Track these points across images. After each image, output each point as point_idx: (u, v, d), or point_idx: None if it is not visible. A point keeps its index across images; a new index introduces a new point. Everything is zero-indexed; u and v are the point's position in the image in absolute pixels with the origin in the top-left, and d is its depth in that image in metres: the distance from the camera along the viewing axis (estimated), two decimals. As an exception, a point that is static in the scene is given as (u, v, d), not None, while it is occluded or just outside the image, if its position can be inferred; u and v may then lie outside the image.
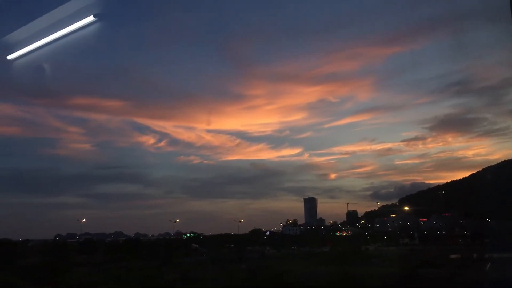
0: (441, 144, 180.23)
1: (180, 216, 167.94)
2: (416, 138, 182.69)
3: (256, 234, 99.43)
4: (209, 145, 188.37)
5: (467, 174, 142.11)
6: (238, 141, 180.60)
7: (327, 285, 23.12)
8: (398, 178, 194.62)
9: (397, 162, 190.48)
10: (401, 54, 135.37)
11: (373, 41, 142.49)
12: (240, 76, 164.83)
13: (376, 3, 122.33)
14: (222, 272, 34.14)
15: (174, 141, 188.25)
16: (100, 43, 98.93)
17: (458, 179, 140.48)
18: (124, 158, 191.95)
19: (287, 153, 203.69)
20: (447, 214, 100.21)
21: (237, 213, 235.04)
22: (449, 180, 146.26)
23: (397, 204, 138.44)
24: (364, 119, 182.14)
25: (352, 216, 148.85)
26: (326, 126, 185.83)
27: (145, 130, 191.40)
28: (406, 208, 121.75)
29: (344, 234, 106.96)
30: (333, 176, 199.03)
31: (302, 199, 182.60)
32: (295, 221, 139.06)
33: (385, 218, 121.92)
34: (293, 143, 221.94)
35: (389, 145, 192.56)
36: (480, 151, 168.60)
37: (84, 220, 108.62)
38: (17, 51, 11.31)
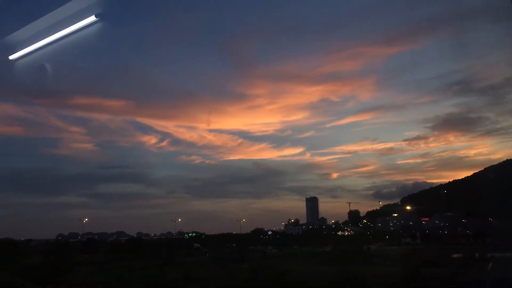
0: (443, 143, 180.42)
1: (182, 216, 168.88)
2: (418, 138, 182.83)
3: (258, 234, 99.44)
4: (211, 144, 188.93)
5: (469, 173, 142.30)
6: (240, 140, 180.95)
7: (329, 284, 23.09)
8: (400, 178, 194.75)
9: (399, 162, 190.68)
10: (402, 53, 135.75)
11: (374, 41, 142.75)
12: (241, 76, 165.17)
13: (376, 3, 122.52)
14: (224, 272, 34.15)
15: (176, 141, 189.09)
16: (102, 43, 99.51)
17: (460, 178, 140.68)
18: (126, 158, 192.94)
19: (289, 152, 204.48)
20: (449, 214, 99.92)
21: (239, 212, 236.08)
22: (451, 180, 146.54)
23: (399, 203, 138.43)
24: (365, 119, 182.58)
25: (354, 215, 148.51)
26: (328, 125, 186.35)
27: (147, 129, 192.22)
28: (408, 207, 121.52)
29: (346, 233, 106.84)
30: (335, 175, 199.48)
31: (304, 199, 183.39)
32: (297, 221, 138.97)
33: (387, 218, 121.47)
34: (295, 143, 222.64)
35: (391, 144, 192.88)
36: (482, 150, 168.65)
37: (86, 219, 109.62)
38: (19, 51, 11.31)
